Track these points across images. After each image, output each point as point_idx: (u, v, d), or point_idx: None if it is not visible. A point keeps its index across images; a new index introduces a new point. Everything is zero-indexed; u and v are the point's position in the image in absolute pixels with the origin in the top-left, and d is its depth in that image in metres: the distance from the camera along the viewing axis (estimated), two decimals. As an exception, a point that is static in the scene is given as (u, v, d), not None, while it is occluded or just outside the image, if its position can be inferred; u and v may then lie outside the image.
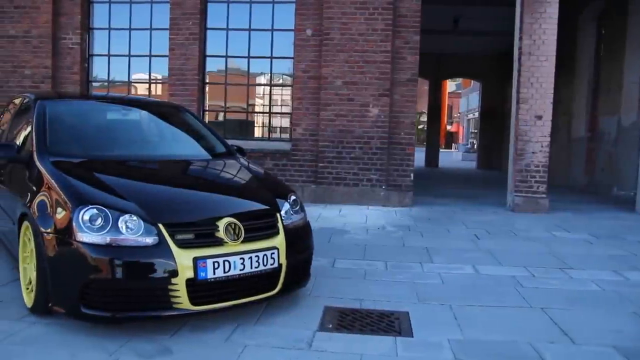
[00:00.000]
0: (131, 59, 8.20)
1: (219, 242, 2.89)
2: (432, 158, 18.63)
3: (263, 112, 8.36)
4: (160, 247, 2.75)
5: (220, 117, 8.32)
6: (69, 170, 3.24)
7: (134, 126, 4.30)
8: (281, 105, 8.48)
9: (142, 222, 2.79)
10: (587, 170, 11.47)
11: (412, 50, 7.40)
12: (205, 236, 2.89)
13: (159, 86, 8.47)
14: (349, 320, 3.21)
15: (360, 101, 7.37)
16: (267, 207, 3.28)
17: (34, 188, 3.22)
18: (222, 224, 2.93)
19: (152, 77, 8.37)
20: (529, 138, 7.37)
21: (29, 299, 3.14)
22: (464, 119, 40.39)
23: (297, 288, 3.37)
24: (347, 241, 5.37)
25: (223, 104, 8.16)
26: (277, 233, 3.16)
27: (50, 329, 2.88)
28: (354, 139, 7.41)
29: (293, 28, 7.69)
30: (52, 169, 3.25)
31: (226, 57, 7.98)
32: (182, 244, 2.80)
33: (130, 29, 8.13)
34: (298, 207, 3.51)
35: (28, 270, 3.21)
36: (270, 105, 8.28)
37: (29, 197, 3.20)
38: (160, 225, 2.80)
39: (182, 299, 2.75)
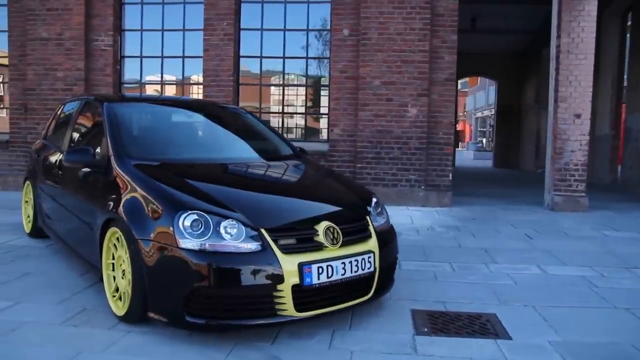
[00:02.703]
0: (164, 60, 8.15)
1: (320, 247, 2.84)
2: (447, 157, 18.55)
3: (298, 113, 8.31)
4: (265, 253, 2.69)
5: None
6: (155, 174, 3.18)
7: (202, 128, 4.25)
8: (317, 106, 8.42)
9: (243, 227, 2.73)
10: (611, 169, 11.44)
11: (449, 50, 7.35)
12: (306, 241, 2.83)
13: (193, 87, 8.41)
14: (441, 323, 3.17)
15: (399, 101, 7.32)
16: (358, 210, 3.23)
17: (117, 193, 3.15)
18: (320, 228, 2.88)
19: (185, 78, 8.31)
20: (568, 137, 7.33)
21: (117, 307, 3.08)
22: (471, 118, 40.37)
23: (384, 293, 3.31)
24: (402, 242, 5.22)
25: (257, 105, 8.11)
26: (370, 236, 3.11)
27: (150, 338, 2.82)
28: (392, 139, 7.36)
29: (329, 28, 7.65)
30: (137, 173, 3.19)
31: (261, 57, 7.92)
32: (286, 250, 2.74)
33: (162, 30, 8.08)
34: (380, 209, 3.46)
35: (113, 277, 3.15)
36: (306, 106, 8.23)
37: (112, 202, 3.13)
38: (263, 231, 2.74)
39: (287, 306, 2.69)
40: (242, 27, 7.84)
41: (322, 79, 8.10)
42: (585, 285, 4.01)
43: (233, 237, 2.70)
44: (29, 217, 5.14)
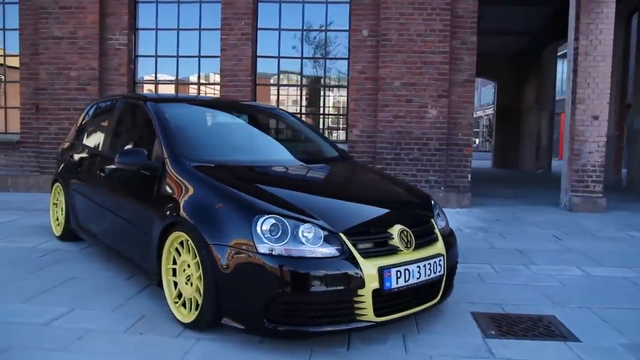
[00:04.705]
0: (179, 59, 8.04)
1: (395, 251, 2.80)
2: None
3: (317, 113, 8.27)
4: (346, 258, 2.65)
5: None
6: (219, 177, 3.11)
7: (246, 129, 4.17)
8: (336, 107, 8.39)
9: (321, 231, 2.68)
10: (615, 169, 11.60)
11: (469, 51, 7.38)
12: (382, 244, 2.80)
13: (209, 87, 8.31)
14: (506, 326, 3.16)
15: (419, 102, 7.32)
16: (423, 213, 3.21)
17: (178, 196, 3.07)
18: (395, 231, 2.85)
19: (200, 78, 8.21)
20: (586, 138, 7.40)
21: (181, 313, 3.00)
22: (462, 118, 40.73)
23: (448, 296, 3.28)
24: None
25: (275, 106, 8.04)
26: (437, 239, 3.09)
27: (221, 345, 2.75)
28: (412, 140, 7.36)
29: (348, 28, 7.62)
30: (201, 175, 3.12)
31: (278, 57, 7.87)
32: (365, 254, 2.70)
33: (178, 30, 7.97)
34: (438, 211, 3.44)
35: (175, 283, 3.08)
36: (324, 107, 8.19)
37: (173, 206, 3.05)
38: (342, 235, 2.69)
39: (366, 311, 2.65)
40: (259, 26, 7.77)
41: (340, 79, 8.07)
42: (632, 287, 4.04)
43: (310, 241, 2.65)
44: (57, 219, 5.01)
